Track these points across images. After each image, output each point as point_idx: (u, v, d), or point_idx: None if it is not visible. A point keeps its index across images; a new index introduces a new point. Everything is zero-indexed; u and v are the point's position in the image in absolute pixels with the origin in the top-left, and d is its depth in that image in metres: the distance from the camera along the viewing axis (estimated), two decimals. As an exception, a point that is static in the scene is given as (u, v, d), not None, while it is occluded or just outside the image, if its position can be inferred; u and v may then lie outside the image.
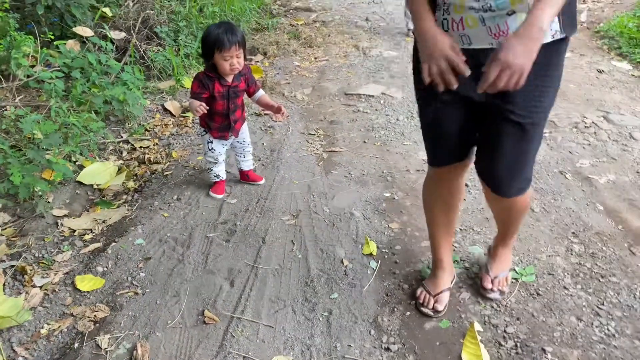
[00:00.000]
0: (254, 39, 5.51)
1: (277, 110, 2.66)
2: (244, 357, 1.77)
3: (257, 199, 2.72)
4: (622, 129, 3.44)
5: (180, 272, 2.18)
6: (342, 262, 2.23)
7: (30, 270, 2.19)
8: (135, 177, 3.00)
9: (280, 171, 2.99)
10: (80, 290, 2.09)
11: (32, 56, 3.71)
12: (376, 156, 3.17)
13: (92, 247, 2.40)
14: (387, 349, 1.79)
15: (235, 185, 2.85)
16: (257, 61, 5.01)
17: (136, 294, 2.07)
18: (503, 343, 1.80)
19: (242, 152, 2.78)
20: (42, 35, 3.91)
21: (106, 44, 3.94)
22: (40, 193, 2.56)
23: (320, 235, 2.41)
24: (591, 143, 3.26)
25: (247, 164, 2.83)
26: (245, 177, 2.86)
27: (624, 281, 2.08)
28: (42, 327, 1.91)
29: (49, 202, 2.61)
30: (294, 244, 2.36)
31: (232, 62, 2.40)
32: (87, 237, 2.48)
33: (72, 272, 2.21)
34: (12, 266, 2.20)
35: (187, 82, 4.28)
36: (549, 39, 1.40)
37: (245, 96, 2.68)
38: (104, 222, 2.59)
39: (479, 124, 1.64)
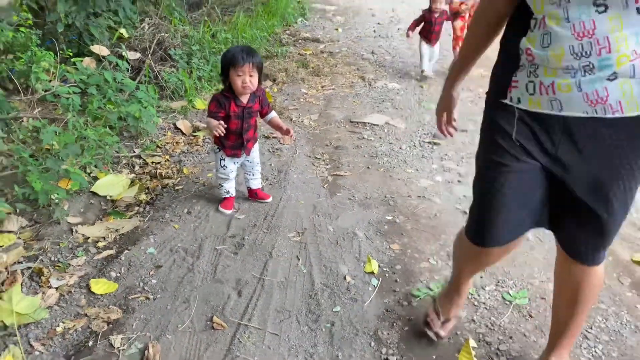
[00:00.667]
0: (264, 66, 5.69)
1: (286, 132, 2.79)
2: (250, 361, 1.86)
3: (264, 215, 2.84)
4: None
5: (190, 280, 2.28)
6: (344, 278, 2.33)
7: (47, 272, 2.29)
8: (147, 190, 3.12)
9: (287, 191, 3.11)
10: (94, 293, 2.19)
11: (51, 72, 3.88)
12: (379, 181, 3.30)
13: (105, 253, 2.50)
14: (386, 360, 1.89)
15: (244, 202, 2.97)
16: (267, 87, 5.19)
17: (147, 298, 2.16)
18: (496, 359, 1.90)
19: (251, 171, 2.91)
20: (60, 52, 4.09)
21: (122, 63, 4.11)
22: (57, 200, 2.67)
23: (325, 252, 2.52)
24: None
25: (256, 183, 2.95)
26: (253, 195, 2.98)
27: (611, 308, 2.19)
28: (58, 325, 2.00)
29: (64, 209, 2.72)
30: (299, 259, 2.46)
31: (245, 79, 2.54)
32: (100, 244, 2.58)
33: (86, 276, 2.31)
34: (29, 268, 2.30)
35: (199, 103, 4.45)
36: None
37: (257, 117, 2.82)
38: (116, 231, 2.69)
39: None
